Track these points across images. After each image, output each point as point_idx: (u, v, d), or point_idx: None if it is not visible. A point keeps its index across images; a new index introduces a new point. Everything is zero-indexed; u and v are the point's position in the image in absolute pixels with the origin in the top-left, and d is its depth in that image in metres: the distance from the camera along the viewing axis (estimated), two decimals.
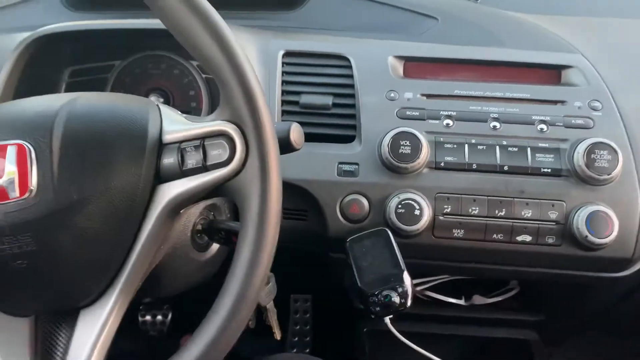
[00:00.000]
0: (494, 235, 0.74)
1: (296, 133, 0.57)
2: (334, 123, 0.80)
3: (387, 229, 0.72)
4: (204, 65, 0.52)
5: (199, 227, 0.70)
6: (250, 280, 0.50)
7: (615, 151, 0.72)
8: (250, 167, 0.52)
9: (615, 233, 0.70)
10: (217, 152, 0.52)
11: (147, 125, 0.54)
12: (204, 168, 0.52)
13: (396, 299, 0.69)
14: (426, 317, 0.98)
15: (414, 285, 0.72)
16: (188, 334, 1.17)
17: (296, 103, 0.81)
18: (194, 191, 0.53)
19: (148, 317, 1.08)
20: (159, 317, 1.08)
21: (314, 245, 0.80)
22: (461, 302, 0.97)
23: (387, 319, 0.73)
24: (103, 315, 0.53)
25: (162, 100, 0.91)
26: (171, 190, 0.53)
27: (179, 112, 0.59)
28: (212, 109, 0.91)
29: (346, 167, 0.76)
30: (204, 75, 0.91)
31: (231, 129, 0.52)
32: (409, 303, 0.69)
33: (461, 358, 0.98)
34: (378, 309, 0.69)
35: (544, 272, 0.78)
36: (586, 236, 0.70)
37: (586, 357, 1.07)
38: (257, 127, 0.51)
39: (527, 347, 0.96)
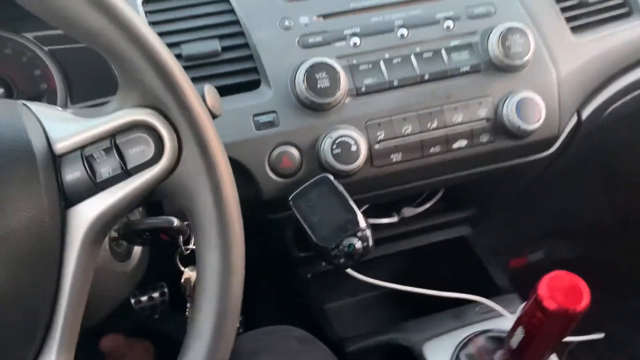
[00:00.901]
0: (431, 149, 0.70)
1: (212, 97, 0.46)
2: (231, 70, 0.68)
3: (327, 175, 0.65)
4: (86, 41, 0.39)
5: (114, 234, 0.58)
6: (228, 293, 0.41)
7: (525, 33, 0.70)
8: (189, 158, 0.41)
9: (543, 116, 0.70)
10: (139, 150, 0.41)
11: (26, 135, 0.40)
12: (125, 174, 0.41)
13: (359, 245, 0.63)
14: None
15: None
16: (106, 334, 1.05)
17: (179, 56, 0.68)
18: (119, 205, 0.41)
19: None
20: None
21: (248, 212, 0.71)
22: (394, 219, 0.95)
23: None
24: None
25: (1, 90, 0.72)
26: (89, 212, 0.41)
27: (58, 107, 0.45)
28: (69, 87, 0.74)
29: (263, 118, 0.66)
30: (46, 48, 0.73)
31: (149, 116, 0.40)
32: (371, 244, 0.65)
33: (408, 272, 0.97)
34: (342, 260, 0.64)
35: (479, 171, 0.77)
36: (519, 126, 0.69)
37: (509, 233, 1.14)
38: (184, 107, 0.40)
39: (463, 241, 0.98)
